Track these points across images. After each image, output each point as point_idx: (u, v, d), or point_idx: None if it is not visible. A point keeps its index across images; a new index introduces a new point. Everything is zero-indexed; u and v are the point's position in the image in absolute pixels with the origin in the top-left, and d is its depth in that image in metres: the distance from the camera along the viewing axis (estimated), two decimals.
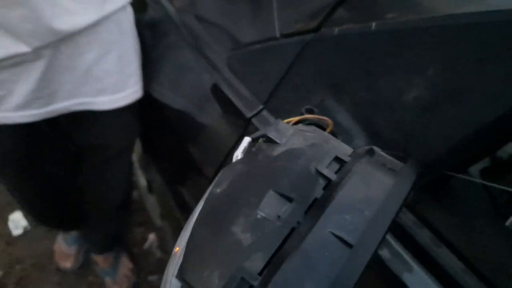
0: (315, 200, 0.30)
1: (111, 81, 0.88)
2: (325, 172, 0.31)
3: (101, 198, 1.18)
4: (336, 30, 0.54)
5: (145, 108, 1.00)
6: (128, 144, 1.07)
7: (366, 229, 0.26)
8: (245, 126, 0.68)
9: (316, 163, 0.32)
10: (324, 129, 0.44)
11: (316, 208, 0.29)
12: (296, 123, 0.45)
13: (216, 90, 0.77)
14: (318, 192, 0.30)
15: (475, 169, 0.61)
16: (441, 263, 0.48)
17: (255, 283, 0.26)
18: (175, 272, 0.32)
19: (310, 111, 0.48)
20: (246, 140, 0.39)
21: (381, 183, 0.30)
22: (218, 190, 0.34)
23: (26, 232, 1.61)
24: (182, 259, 0.31)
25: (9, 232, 1.59)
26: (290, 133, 0.36)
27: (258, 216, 0.30)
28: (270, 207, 0.30)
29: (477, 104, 0.43)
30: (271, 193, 0.31)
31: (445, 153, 0.46)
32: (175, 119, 0.96)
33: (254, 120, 0.66)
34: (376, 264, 0.52)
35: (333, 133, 0.44)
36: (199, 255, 0.30)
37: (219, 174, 0.35)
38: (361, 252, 0.26)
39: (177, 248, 0.34)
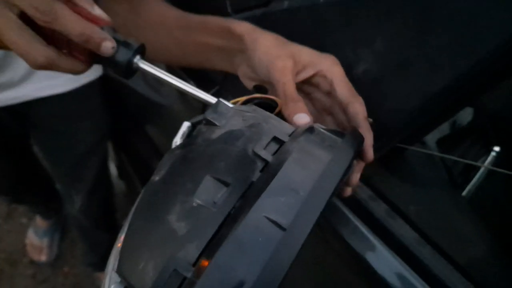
0: (252, 183, 0.29)
1: None
2: (262, 153, 0.30)
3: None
4: (286, 3, 0.53)
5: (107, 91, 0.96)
6: (99, 138, 1.00)
7: (300, 209, 0.25)
8: (202, 108, 0.67)
9: (253, 145, 0.31)
10: (274, 108, 0.42)
11: (252, 191, 0.28)
12: (245, 102, 0.44)
13: (172, 71, 0.74)
14: (255, 175, 0.29)
15: (432, 139, 0.61)
16: (397, 235, 0.48)
17: (189, 275, 0.25)
18: (115, 266, 0.31)
19: (259, 89, 0.46)
20: (185, 125, 0.37)
21: (318, 161, 0.29)
22: (157, 178, 0.32)
23: None
24: (120, 251, 0.30)
25: None
26: (229, 114, 0.34)
27: (194, 203, 0.28)
28: (207, 193, 0.29)
29: (423, 75, 0.42)
30: (207, 178, 0.30)
31: (395, 126, 0.46)
32: (135, 101, 0.93)
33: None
34: (336, 240, 0.53)
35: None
36: (135, 247, 0.29)
37: (160, 162, 0.34)
38: (295, 233, 0.25)
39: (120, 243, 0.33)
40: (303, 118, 0.39)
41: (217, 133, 0.33)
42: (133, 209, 0.33)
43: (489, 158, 0.54)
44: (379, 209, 0.51)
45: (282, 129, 0.33)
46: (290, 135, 0.32)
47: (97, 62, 0.40)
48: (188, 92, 0.40)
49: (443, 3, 0.37)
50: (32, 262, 1.48)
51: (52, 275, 1.48)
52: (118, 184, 1.48)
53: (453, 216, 0.52)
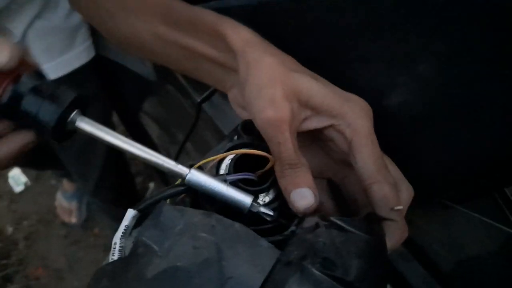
0: None
1: (53, 38, 0.72)
2: None
3: None
4: None
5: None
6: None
7: None
8: (197, 112, 0.54)
9: None
10: (263, 165, 0.30)
11: None
12: (227, 159, 0.31)
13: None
14: None
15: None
16: None
17: None
18: None
19: (248, 129, 0.33)
20: (129, 214, 0.26)
21: None
22: None
23: (27, 188, 1.59)
24: None
25: (10, 190, 1.58)
26: (176, 231, 0.22)
27: None
28: None
29: (492, 120, 0.27)
30: None
31: (436, 183, 0.32)
32: (134, 83, 0.81)
33: (205, 106, 0.51)
34: None
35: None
36: None
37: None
38: None
39: None
40: (304, 198, 0.27)
41: (153, 267, 0.21)
42: None
43: None
44: (414, 273, 0.39)
45: (252, 269, 0.20)
46: (265, 282, 0.20)
47: (12, 118, 0.28)
48: (151, 161, 0.28)
49: None
50: (64, 223, 1.51)
51: (83, 236, 1.51)
52: None
53: None
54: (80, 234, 1.51)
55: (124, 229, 0.26)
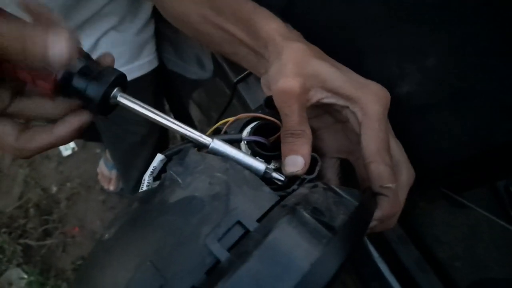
0: None
1: (123, 49, 0.76)
2: (214, 248, 0.23)
3: None
4: None
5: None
6: (150, 130, 0.96)
7: None
8: (232, 93, 0.59)
9: (208, 229, 0.24)
10: (277, 130, 0.34)
11: None
12: (245, 125, 0.35)
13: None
14: (198, 277, 0.23)
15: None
16: None
17: None
18: None
19: (269, 103, 0.37)
20: (158, 158, 0.31)
21: (286, 271, 0.21)
22: (106, 236, 0.28)
23: (74, 153, 1.71)
24: None
25: (59, 153, 1.71)
26: (198, 170, 0.27)
27: None
28: (140, 285, 0.23)
29: (493, 112, 0.30)
30: (147, 265, 0.24)
31: (438, 171, 0.35)
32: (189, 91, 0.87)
33: (240, 86, 0.56)
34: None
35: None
36: None
37: (116, 214, 0.29)
38: None
39: None
40: (294, 165, 0.30)
41: (176, 195, 0.26)
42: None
43: None
44: (409, 255, 0.41)
45: (253, 206, 0.25)
46: (262, 217, 0.24)
47: (65, 95, 0.32)
48: (179, 132, 0.33)
49: None
50: (103, 189, 1.62)
51: (119, 203, 1.62)
52: None
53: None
54: (116, 201, 1.62)
55: (152, 169, 0.31)
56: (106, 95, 0.32)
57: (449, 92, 0.31)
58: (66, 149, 1.71)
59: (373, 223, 0.30)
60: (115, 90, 0.32)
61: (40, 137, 0.32)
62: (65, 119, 0.33)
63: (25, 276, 1.43)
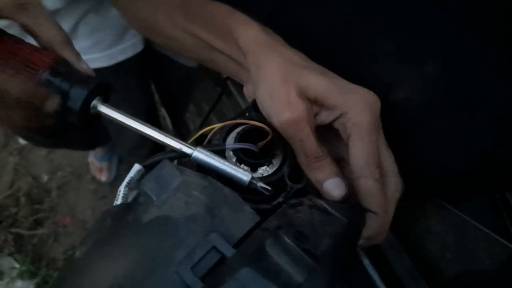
0: None
1: (104, 33, 0.73)
2: (187, 278, 0.21)
3: None
4: None
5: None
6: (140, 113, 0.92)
7: None
8: (222, 88, 0.57)
9: (181, 254, 0.22)
10: (265, 134, 0.32)
11: None
12: (230, 130, 0.33)
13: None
14: None
15: None
16: None
17: None
18: None
19: (257, 108, 0.35)
20: (135, 168, 0.29)
21: None
22: (77, 254, 0.26)
23: None
24: None
25: None
26: (173, 186, 0.25)
27: None
28: None
29: (493, 123, 0.28)
30: None
31: (430, 183, 0.33)
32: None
33: (229, 82, 0.54)
34: None
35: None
36: None
37: (89, 230, 0.27)
38: None
39: None
40: (339, 187, 0.29)
41: (150, 214, 0.24)
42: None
43: None
44: (401, 264, 0.40)
45: (232, 228, 0.23)
46: (240, 241, 0.23)
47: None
48: (160, 141, 0.31)
49: None
50: (94, 179, 1.60)
51: (110, 193, 1.60)
52: None
53: None
54: (107, 190, 1.60)
55: (128, 180, 0.29)
56: (87, 104, 0.31)
57: (449, 102, 0.29)
58: None
59: (361, 241, 0.29)
60: (96, 99, 0.32)
61: None
62: None
63: (17, 266, 1.42)
